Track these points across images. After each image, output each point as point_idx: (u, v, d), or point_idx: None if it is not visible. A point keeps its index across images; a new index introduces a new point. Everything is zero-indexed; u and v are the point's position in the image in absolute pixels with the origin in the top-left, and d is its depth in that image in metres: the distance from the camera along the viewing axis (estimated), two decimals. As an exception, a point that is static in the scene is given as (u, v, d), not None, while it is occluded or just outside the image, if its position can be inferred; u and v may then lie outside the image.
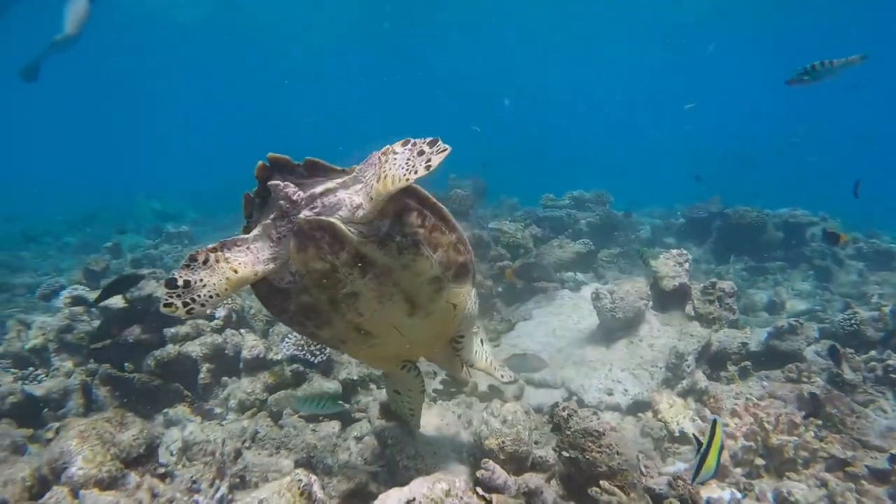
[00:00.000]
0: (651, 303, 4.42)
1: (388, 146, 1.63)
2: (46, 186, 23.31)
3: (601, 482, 2.33)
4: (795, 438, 3.19)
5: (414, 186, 1.75)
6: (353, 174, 1.78)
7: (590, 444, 2.44)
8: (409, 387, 2.69)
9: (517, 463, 2.70)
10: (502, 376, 2.70)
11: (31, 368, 4.62)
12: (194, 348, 4.37)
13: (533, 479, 2.52)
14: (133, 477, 2.69)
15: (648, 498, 2.46)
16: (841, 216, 10.87)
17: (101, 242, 9.33)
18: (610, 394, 3.78)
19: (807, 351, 4.72)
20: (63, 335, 4.90)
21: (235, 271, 1.76)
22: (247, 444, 3.54)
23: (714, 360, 4.12)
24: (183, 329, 4.50)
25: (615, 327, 4.25)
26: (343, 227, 1.69)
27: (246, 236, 1.83)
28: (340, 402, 3.61)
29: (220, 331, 4.57)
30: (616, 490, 2.30)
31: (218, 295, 1.75)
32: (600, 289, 4.33)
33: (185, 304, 1.72)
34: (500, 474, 2.57)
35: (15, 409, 3.86)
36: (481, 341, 2.65)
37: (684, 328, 4.07)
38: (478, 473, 2.55)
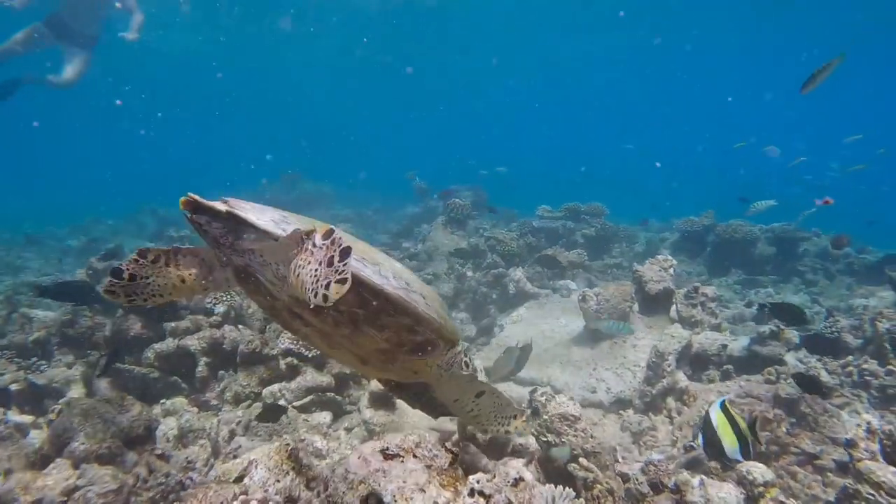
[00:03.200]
0: (636, 305, 4.57)
1: (308, 240, 1.43)
2: (53, 191, 23.62)
3: (580, 459, 2.46)
4: (768, 433, 3.31)
5: (357, 273, 1.53)
6: (283, 235, 1.54)
7: (566, 427, 2.58)
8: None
9: (499, 449, 2.83)
10: (485, 431, 2.44)
11: (34, 359, 4.75)
12: (193, 342, 4.51)
13: (513, 462, 2.65)
14: (132, 455, 2.83)
15: (620, 480, 2.59)
16: (833, 232, 11.05)
17: (103, 246, 9.50)
18: (593, 392, 3.91)
19: (788, 356, 4.85)
20: (65, 329, 5.04)
21: (183, 280, 1.75)
22: (240, 432, 3.67)
23: (695, 362, 4.25)
24: (183, 324, 4.66)
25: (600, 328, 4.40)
26: (267, 279, 1.61)
27: (200, 249, 1.82)
28: None
29: (218, 326, 4.71)
30: (592, 467, 2.43)
31: (161, 296, 1.74)
32: (586, 291, 4.49)
33: (127, 296, 1.72)
34: (481, 458, 2.71)
35: (18, 396, 4.00)
36: (479, 395, 2.27)
37: (666, 330, 4.22)
38: (460, 457, 2.68)
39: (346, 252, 1.30)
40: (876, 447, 2.47)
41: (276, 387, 4.13)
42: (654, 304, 4.51)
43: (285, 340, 4.21)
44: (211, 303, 4.91)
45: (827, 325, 5.13)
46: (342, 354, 1.88)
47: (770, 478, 2.43)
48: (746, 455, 2.43)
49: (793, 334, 4.87)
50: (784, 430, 3.38)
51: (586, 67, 28.54)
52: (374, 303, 1.59)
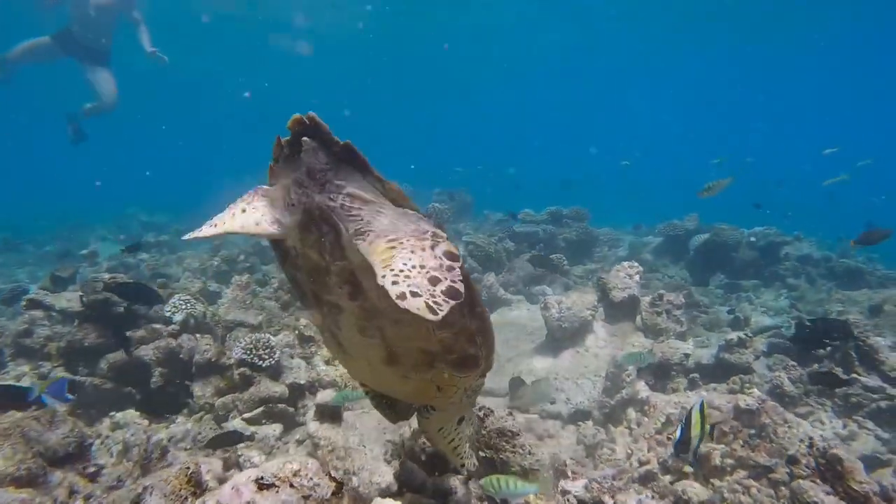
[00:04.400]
0: (599, 313, 4.50)
1: (435, 238, 1.29)
2: (39, 195, 23.40)
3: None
4: (723, 447, 3.24)
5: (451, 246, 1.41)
6: (389, 205, 1.46)
7: (504, 443, 2.50)
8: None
9: (439, 464, 2.74)
10: (462, 465, 2.26)
11: (-16, 370, 4.63)
12: (148, 352, 4.40)
13: (449, 480, 2.57)
14: (57, 475, 2.72)
15: (561, 498, 2.50)
16: (815, 236, 11.06)
17: (82, 251, 9.39)
18: (552, 402, 3.83)
19: (757, 364, 4.79)
20: (21, 339, 4.92)
21: (257, 224, 1.51)
22: (187, 446, 3.57)
23: (658, 371, 4.18)
24: (139, 333, 4.55)
25: (562, 337, 4.32)
26: (348, 238, 1.40)
27: (269, 188, 1.59)
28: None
29: (176, 335, 4.61)
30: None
31: (245, 233, 1.53)
32: (549, 299, 4.41)
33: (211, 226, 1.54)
34: (417, 474, 2.62)
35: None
36: (459, 421, 2.19)
37: (628, 339, 4.14)
38: (394, 474, 2.60)
39: (454, 293, 1.16)
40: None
41: (228, 398, 4.04)
42: (619, 311, 4.43)
43: (239, 350, 4.11)
44: (169, 311, 4.81)
45: (806, 322, 5.06)
46: (367, 349, 1.65)
47: (705, 497, 2.35)
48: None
49: (761, 341, 4.81)
50: (741, 442, 3.30)
51: (598, 70, 28.41)
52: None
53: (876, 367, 4.43)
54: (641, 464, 3.22)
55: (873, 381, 4.23)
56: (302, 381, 4.08)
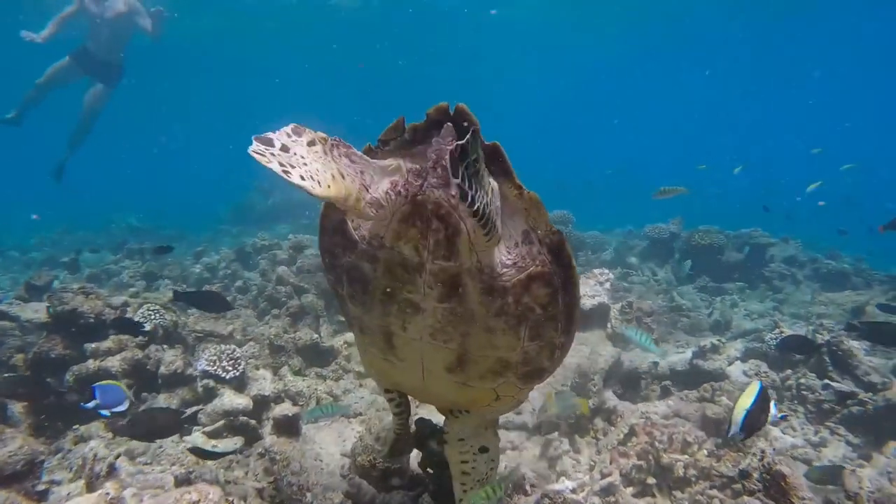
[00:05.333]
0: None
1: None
2: (31, 199, 23.27)
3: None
4: (686, 457, 3.20)
5: (568, 251, 1.44)
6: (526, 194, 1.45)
7: (450, 460, 2.44)
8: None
9: (390, 480, 2.70)
10: (460, 501, 2.09)
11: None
12: (114, 363, 4.35)
13: (396, 497, 2.52)
14: (2, 495, 2.67)
15: (510, 515, 2.46)
16: (802, 237, 11.04)
17: (61, 259, 9.32)
18: (518, 413, 3.79)
19: (731, 369, 4.76)
20: (-12, 350, 4.86)
21: (343, 176, 1.29)
22: (147, 460, 3.52)
23: (627, 380, 4.14)
24: (105, 344, 4.49)
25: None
26: (466, 239, 1.33)
27: (366, 157, 1.40)
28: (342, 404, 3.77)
29: (143, 346, 4.56)
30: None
31: (319, 183, 1.23)
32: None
33: (281, 164, 1.21)
34: (366, 490, 2.58)
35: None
36: (482, 449, 2.04)
37: (597, 347, 4.10)
38: (342, 491, 2.55)
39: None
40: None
41: (192, 410, 3.98)
42: (589, 320, 4.40)
43: (203, 362, 4.06)
44: (138, 321, 4.75)
45: (773, 336, 5.04)
46: (432, 353, 1.56)
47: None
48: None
49: (734, 347, 4.77)
50: (705, 452, 3.26)
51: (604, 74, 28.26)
52: (560, 307, 1.45)
53: (850, 370, 4.40)
54: (603, 476, 3.17)
55: (847, 386, 4.20)
56: (267, 393, 4.03)
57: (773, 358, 4.95)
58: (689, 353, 4.87)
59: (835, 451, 3.78)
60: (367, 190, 1.35)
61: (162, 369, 4.26)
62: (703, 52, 23.56)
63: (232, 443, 3.56)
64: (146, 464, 3.52)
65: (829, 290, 8.71)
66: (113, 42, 8.45)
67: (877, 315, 6.44)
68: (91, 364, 4.34)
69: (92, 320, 4.66)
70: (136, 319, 4.75)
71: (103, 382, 3.45)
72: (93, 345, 4.46)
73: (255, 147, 1.21)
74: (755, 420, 2.53)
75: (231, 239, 12.30)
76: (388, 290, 1.48)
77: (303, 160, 1.24)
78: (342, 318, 6.59)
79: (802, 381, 4.25)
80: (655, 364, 4.19)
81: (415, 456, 2.76)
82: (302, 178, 1.19)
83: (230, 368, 4.00)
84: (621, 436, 3.33)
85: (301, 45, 23.65)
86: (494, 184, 1.43)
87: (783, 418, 3.99)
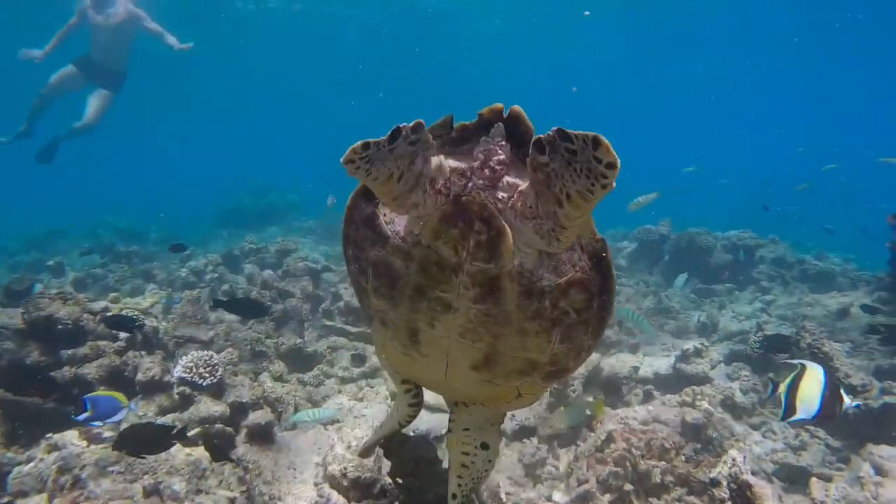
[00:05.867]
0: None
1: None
2: (22, 199, 23.09)
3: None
4: (664, 463, 3.18)
5: (609, 258, 1.43)
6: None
7: (420, 471, 2.42)
8: (399, 402, 2.17)
9: (361, 489, 2.66)
10: (454, 496, 2.06)
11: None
12: (91, 370, 4.29)
13: (366, 507, 2.49)
14: (-37, 506, 2.61)
15: (480, 525, 2.43)
16: (790, 239, 11.09)
17: (48, 262, 9.22)
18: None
19: (714, 373, 4.76)
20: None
21: (398, 179, 1.31)
22: (119, 469, 3.46)
23: (607, 385, 4.12)
24: (82, 350, 4.44)
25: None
26: (510, 243, 1.31)
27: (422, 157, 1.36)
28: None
29: (121, 352, 4.50)
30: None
31: (375, 178, 1.26)
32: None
33: (369, 161, 1.22)
34: (335, 501, 2.54)
35: None
36: (483, 446, 2.03)
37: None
38: (312, 501, 2.51)
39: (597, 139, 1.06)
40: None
41: (169, 417, 3.94)
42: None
43: (179, 369, 4.01)
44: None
45: (756, 339, 5.04)
46: (458, 351, 1.56)
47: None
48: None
49: (716, 351, 4.77)
50: (682, 458, 3.24)
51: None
52: (594, 311, 1.44)
53: (831, 373, 4.40)
54: (580, 483, 3.15)
55: (826, 390, 4.19)
56: (244, 400, 3.98)
57: (756, 361, 4.96)
58: (672, 357, 4.86)
59: (814, 454, 3.77)
60: (408, 177, 1.32)
61: (139, 376, 4.20)
62: (694, 45, 23.53)
63: (204, 451, 3.49)
64: (118, 473, 3.46)
65: (816, 291, 8.74)
66: (116, 50, 8.45)
67: (861, 316, 6.47)
68: (67, 371, 4.28)
69: (70, 326, 4.60)
70: (133, 316, 4.70)
71: (99, 392, 3.35)
72: (69, 351, 4.40)
73: (352, 150, 1.20)
74: (830, 407, 2.50)
75: (221, 242, 12.23)
76: (420, 287, 1.46)
77: (377, 153, 1.23)
78: (328, 323, 6.55)
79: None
80: (635, 369, 4.18)
81: (386, 466, 2.73)
82: (368, 172, 1.22)
83: (207, 375, 3.95)
84: (599, 442, 3.31)
85: (299, 50, 23.59)
86: None
87: (857, 407, 3.68)
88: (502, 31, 22.31)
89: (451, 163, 1.39)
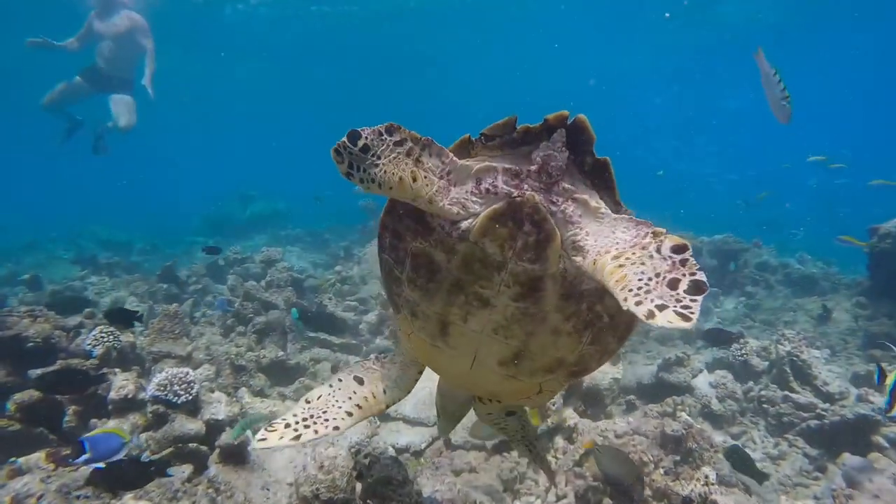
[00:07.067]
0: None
1: (654, 239, 1.20)
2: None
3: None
4: (644, 477, 3.15)
5: None
6: (617, 215, 1.40)
7: (390, 492, 2.37)
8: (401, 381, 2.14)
9: (333, 511, 2.60)
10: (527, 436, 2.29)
11: None
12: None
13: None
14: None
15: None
16: (775, 242, 11.22)
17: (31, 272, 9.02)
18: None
19: (697, 381, 4.76)
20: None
21: (415, 179, 1.35)
22: (86, 494, 3.36)
23: (587, 397, 4.10)
24: (52, 369, 4.32)
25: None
26: (558, 246, 1.34)
27: (454, 157, 1.42)
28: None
29: (95, 370, 4.39)
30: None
31: (379, 185, 1.34)
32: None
33: (349, 165, 1.34)
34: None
35: None
36: (508, 413, 2.20)
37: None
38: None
39: (698, 286, 1.04)
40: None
41: (143, 436, 3.84)
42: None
43: (153, 387, 3.91)
44: (90, 344, 4.59)
45: (737, 346, 5.06)
46: (489, 346, 1.59)
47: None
48: None
49: (698, 360, 4.78)
50: (661, 471, 3.22)
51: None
52: (624, 317, 1.46)
53: (810, 381, 4.42)
54: (558, 498, 3.11)
55: (805, 398, 4.22)
56: (221, 417, 3.89)
57: (738, 369, 4.97)
58: (655, 366, 4.86)
59: (792, 463, 3.77)
60: (451, 189, 1.40)
61: (112, 394, 4.09)
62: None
63: (179, 471, 3.41)
64: (84, 498, 3.36)
65: (799, 295, 8.84)
66: (123, 58, 8.49)
67: (841, 321, 6.54)
68: (34, 392, 4.16)
69: (39, 344, 4.49)
70: (88, 343, 4.59)
71: (97, 431, 3.23)
72: (38, 371, 4.28)
73: (336, 146, 1.33)
74: None
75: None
76: (459, 282, 1.49)
77: (376, 161, 1.33)
78: (312, 334, 6.47)
79: (764, 393, 4.26)
80: (616, 380, 4.17)
81: (359, 487, 2.67)
82: (361, 180, 1.33)
83: (182, 392, 3.86)
84: (577, 456, 3.28)
85: (285, 56, 23.48)
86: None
87: None
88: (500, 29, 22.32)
89: (503, 164, 1.42)
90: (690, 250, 1.14)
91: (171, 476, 3.29)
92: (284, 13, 19.53)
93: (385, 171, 1.33)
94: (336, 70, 25.86)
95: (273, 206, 16.06)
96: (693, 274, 1.06)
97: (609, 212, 1.38)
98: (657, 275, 1.09)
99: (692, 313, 0.98)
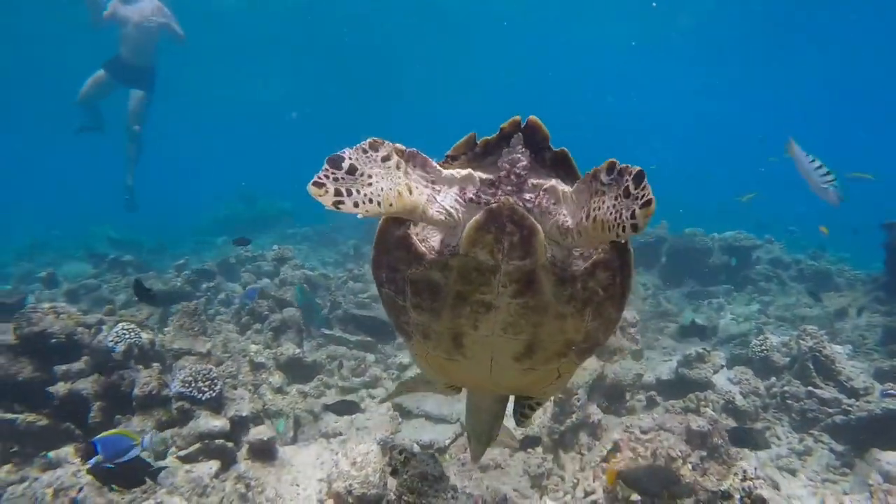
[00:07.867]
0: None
1: (595, 181, 1.32)
2: (12, 210, 22.80)
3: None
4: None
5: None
6: (579, 186, 1.46)
7: (426, 488, 2.37)
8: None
9: (367, 506, 2.61)
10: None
11: None
12: (86, 385, 4.21)
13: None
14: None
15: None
16: (785, 239, 11.14)
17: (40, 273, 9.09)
18: (502, 428, 3.72)
19: (717, 377, 4.74)
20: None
21: (410, 191, 1.39)
22: (113, 488, 3.39)
23: (611, 393, 4.10)
24: (77, 365, 4.36)
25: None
26: (542, 238, 1.40)
27: (438, 167, 1.49)
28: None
29: (118, 367, 4.42)
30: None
31: (378, 204, 1.33)
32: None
33: (337, 192, 1.29)
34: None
35: None
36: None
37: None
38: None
39: (639, 176, 1.19)
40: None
41: (168, 433, 3.87)
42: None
43: (177, 383, 3.94)
44: (112, 341, 4.62)
45: (757, 342, 5.04)
46: (501, 346, 1.66)
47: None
48: None
49: (719, 355, 4.76)
50: (689, 467, 3.22)
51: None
52: (619, 288, 1.54)
53: (833, 376, 4.40)
54: (587, 494, 3.12)
55: (829, 393, 4.19)
56: (245, 413, 3.92)
57: (757, 365, 4.95)
58: (674, 362, 4.84)
59: (818, 459, 3.76)
60: (437, 198, 1.46)
61: (136, 391, 4.13)
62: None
63: (207, 467, 3.43)
64: (111, 490, 3.39)
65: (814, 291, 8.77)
66: (143, 46, 8.67)
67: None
68: (61, 387, 4.20)
69: (63, 340, 4.52)
70: (110, 340, 4.62)
71: (108, 433, 3.29)
72: (63, 367, 4.32)
73: (315, 178, 1.26)
74: None
75: (215, 250, 12.12)
76: (461, 294, 1.54)
77: (369, 179, 1.32)
78: (327, 332, 6.49)
79: (787, 388, 4.24)
80: (639, 376, 4.16)
81: (392, 482, 2.68)
82: (356, 204, 1.28)
83: (206, 389, 3.88)
84: (604, 452, 3.28)
85: (292, 53, 23.46)
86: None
87: None
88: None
89: (479, 173, 1.50)
90: (616, 161, 1.26)
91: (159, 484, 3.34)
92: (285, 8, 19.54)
93: (382, 188, 1.34)
94: (336, 70, 25.85)
95: (279, 205, 16.09)
96: (630, 173, 1.21)
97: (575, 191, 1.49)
98: (615, 198, 1.23)
99: (649, 196, 1.14)
